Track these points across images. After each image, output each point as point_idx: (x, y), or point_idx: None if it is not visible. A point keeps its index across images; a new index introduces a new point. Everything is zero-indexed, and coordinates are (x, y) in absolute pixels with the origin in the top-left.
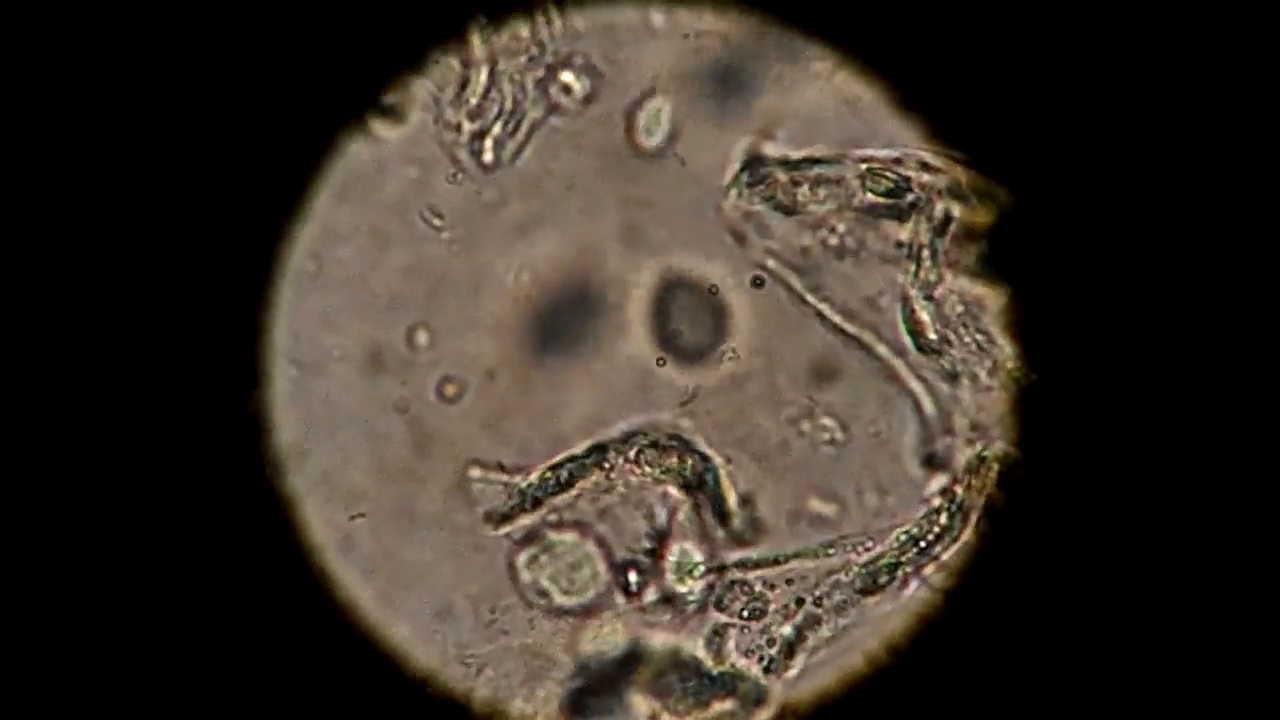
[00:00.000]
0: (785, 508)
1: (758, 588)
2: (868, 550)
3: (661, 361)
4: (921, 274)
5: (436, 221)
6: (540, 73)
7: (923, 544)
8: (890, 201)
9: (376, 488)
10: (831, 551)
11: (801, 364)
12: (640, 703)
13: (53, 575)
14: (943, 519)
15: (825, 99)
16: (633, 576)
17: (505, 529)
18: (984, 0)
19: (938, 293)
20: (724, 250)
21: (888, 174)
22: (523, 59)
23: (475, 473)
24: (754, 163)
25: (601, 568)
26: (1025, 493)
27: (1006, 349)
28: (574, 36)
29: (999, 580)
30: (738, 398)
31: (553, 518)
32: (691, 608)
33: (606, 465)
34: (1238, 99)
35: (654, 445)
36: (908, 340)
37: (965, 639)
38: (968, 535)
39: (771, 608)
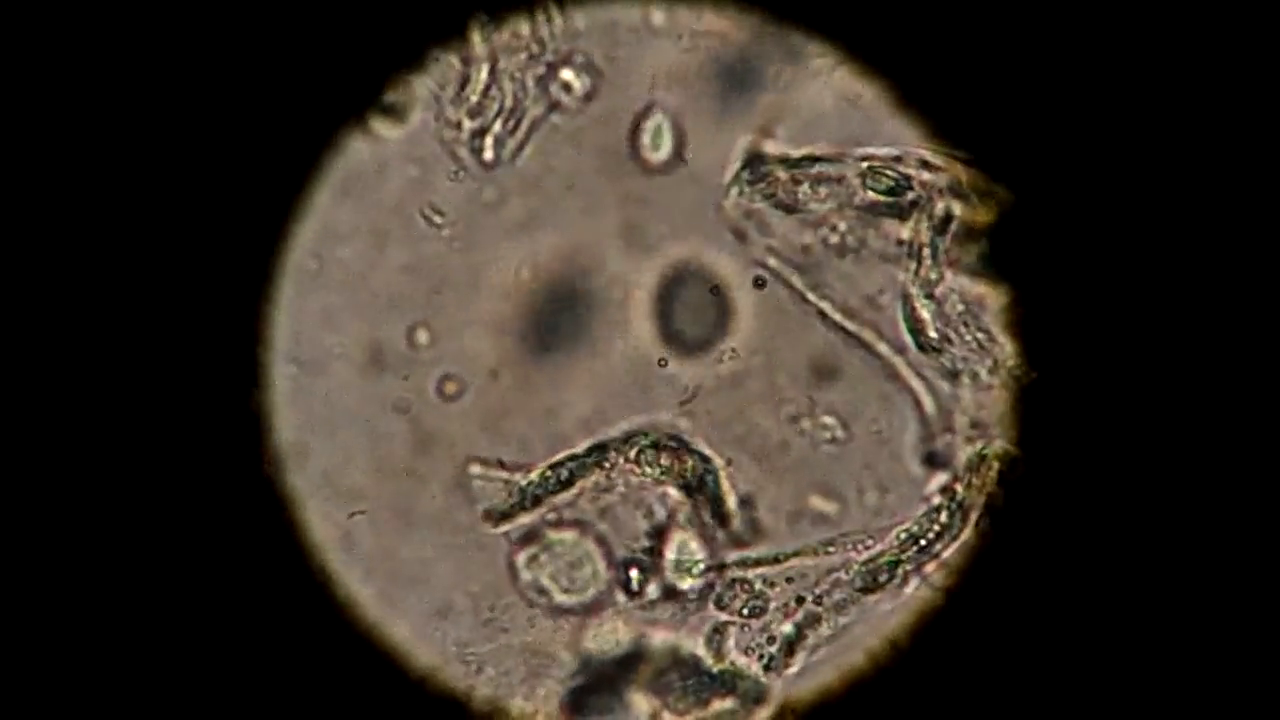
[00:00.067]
0: (785, 509)
1: (758, 586)
2: (868, 548)
3: (663, 362)
4: (922, 272)
5: (437, 219)
6: (541, 70)
7: (923, 542)
8: (891, 200)
9: (376, 486)
10: (832, 549)
11: (802, 362)
12: (640, 701)
13: (54, 573)
14: (943, 517)
15: (826, 97)
16: (633, 574)
17: (505, 527)
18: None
19: (938, 291)
20: (726, 248)
21: (888, 172)
22: (523, 57)
23: (475, 469)
24: (754, 161)
25: (601, 566)
26: (1025, 491)
27: (1007, 347)
28: (574, 34)
29: (999, 578)
30: (738, 396)
31: (552, 516)
32: (692, 604)
33: (607, 464)
34: (1238, 99)
35: (655, 445)
36: (908, 338)
37: (965, 637)
38: (968, 533)
39: (772, 606)
